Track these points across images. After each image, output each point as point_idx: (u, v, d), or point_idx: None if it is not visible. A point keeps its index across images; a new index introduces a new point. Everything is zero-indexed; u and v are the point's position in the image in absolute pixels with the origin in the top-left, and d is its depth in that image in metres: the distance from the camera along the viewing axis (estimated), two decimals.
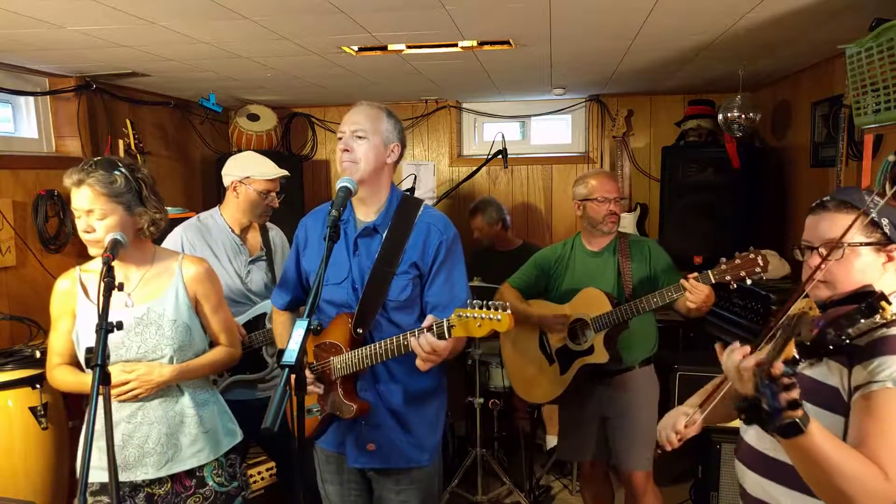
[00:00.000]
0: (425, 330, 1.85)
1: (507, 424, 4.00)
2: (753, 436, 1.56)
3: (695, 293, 2.40)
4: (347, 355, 2.02)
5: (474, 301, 1.82)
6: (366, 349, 1.99)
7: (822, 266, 1.44)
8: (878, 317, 1.27)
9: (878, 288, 1.39)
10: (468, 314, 1.80)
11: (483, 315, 1.79)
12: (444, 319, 1.83)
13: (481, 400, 3.65)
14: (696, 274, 2.43)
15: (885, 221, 1.44)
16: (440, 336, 1.83)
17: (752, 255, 2.31)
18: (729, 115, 3.78)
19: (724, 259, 2.38)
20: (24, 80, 3.35)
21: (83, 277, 2.02)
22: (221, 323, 2.16)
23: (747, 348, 1.31)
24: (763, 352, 1.26)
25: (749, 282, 2.34)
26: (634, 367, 2.83)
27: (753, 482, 1.54)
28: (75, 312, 2.01)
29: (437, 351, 1.85)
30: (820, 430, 1.23)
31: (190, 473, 2.05)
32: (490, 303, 1.81)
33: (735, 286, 2.38)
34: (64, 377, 2.05)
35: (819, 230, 1.48)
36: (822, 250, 1.44)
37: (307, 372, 2.06)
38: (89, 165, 1.92)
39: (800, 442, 1.21)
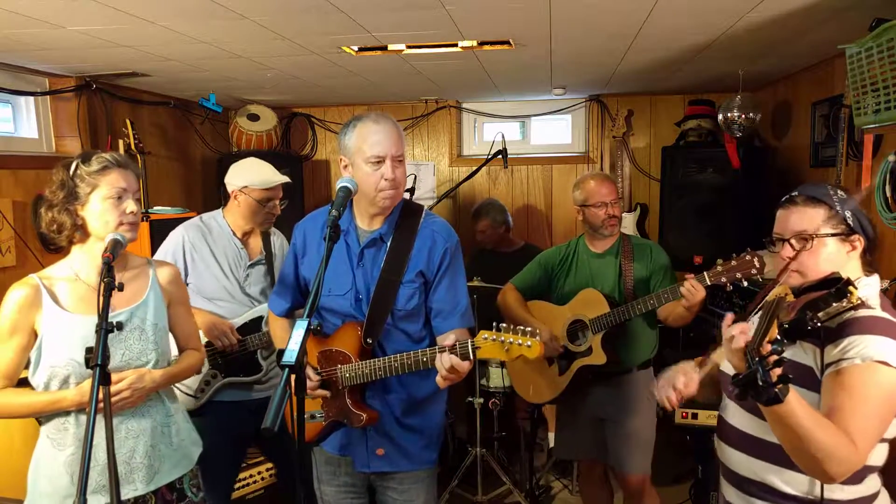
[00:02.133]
0: (448, 349, 1.83)
1: (507, 424, 4.00)
2: (737, 418, 1.67)
3: (690, 296, 2.42)
4: (358, 365, 2.01)
5: (501, 324, 1.80)
6: (380, 361, 1.98)
7: (796, 257, 1.58)
8: (845, 301, 1.39)
9: (843, 274, 1.51)
10: (496, 337, 1.78)
11: (512, 340, 1.77)
12: (468, 341, 1.81)
13: (481, 400, 3.65)
14: (692, 276, 2.45)
15: (848, 214, 1.58)
16: (464, 357, 1.81)
17: (748, 257, 2.34)
18: (729, 115, 3.78)
19: (720, 260, 2.40)
20: (24, 80, 3.35)
21: (47, 285, 1.86)
22: (192, 326, 2.14)
23: (746, 325, 1.43)
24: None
25: (745, 283, 2.35)
26: (633, 370, 2.82)
27: (738, 460, 1.65)
28: (35, 327, 1.84)
29: (460, 371, 1.83)
30: (797, 400, 1.34)
31: (171, 487, 2.00)
32: (520, 328, 1.78)
33: (731, 287, 2.41)
34: (13, 399, 1.83)
35: (789, 223, 1.61)
36: (794, 242, 1.58)
37: (314, 376, 2.06)
38: (114, 153, 1.91)
39: (779, 410, 1.33)
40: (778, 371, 1.28)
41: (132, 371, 1.88)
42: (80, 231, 1.88)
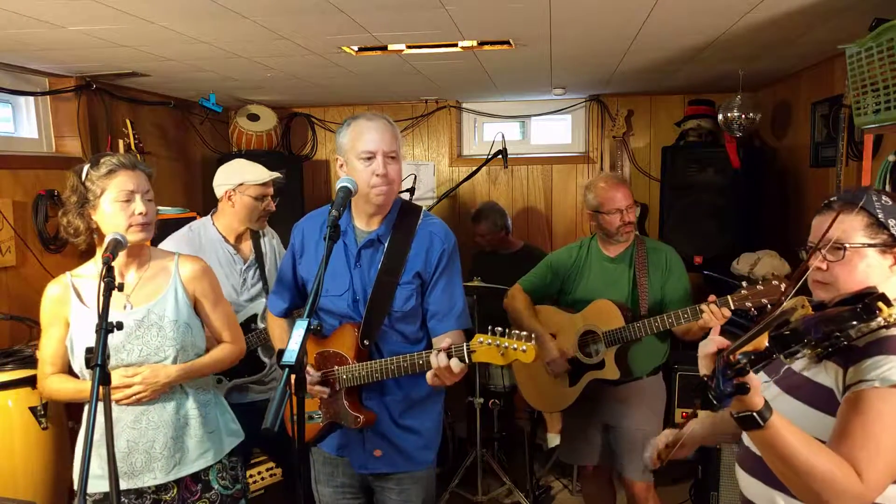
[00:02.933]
0: (444, 352, 1.83)
1: (507, 424, 4.00)
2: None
3: (712, 321, 2.35)
4: (355, 367, 2.01)
5: (496, 328, 1.80)
6: (376, 364, 1.97)
7: (822, 265, 1.42)
8: (881, 318, 1.23)
9: (883, 290, 1.34)
10: (492, 341, 1.78)
11: (507, 344, 1.77)
12: (464, 345, 1.82)
13: (481, 400, 3.65)
14: (714, 298, 2.39)
15: (892, 222, 1.40)
16: (459, 360, 1.81)
17: (774, 282, 2.28)
18: (729, 115, 3.78)
19: (745, 284, 2.34)
20: (24, 80, 3.35)
21: (75, 283, 1.99)
22: (222, 319, 2.15)
23: (724, 341, 1.30)
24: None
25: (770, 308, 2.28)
26: (641, 377, 2.78)
27: (754, 488, 1.52)
28: (68, 319, 1.97)
29: (455, 373, 1.83)
30: (784, 425, 1.23)
31: (195, 477, 2.04)
32: (514, 332, 1.78)
33: (755, 313, 2.32)
34: (60, 385, 2.00)
35: (823, 231, 1.43)
36: (823, 251, 1.41)
37: (314, 372, 2.06)
38: (123, 156, 1.98)
39: (762, 436, 1.22)
40: (739, 380, 1.17)
41: (147, 367, 1.94)
42: (97, 234, 1.95)
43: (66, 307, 1.97)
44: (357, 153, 1.94)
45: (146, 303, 1.99)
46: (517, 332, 1.78)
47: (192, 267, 2.09)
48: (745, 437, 1.56)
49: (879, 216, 1.41)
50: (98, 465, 1.89)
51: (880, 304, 1.22)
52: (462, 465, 3.70)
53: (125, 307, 1.97)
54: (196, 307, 2.08)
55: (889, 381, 1.26)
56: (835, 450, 1.26)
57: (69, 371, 2.01)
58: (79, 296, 1.97)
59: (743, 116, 3.75)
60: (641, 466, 2.76)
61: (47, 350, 2.00)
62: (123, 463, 1.93)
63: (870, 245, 1.40)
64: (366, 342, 2.01)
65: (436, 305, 2.04)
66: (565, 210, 4.95)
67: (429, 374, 1.88)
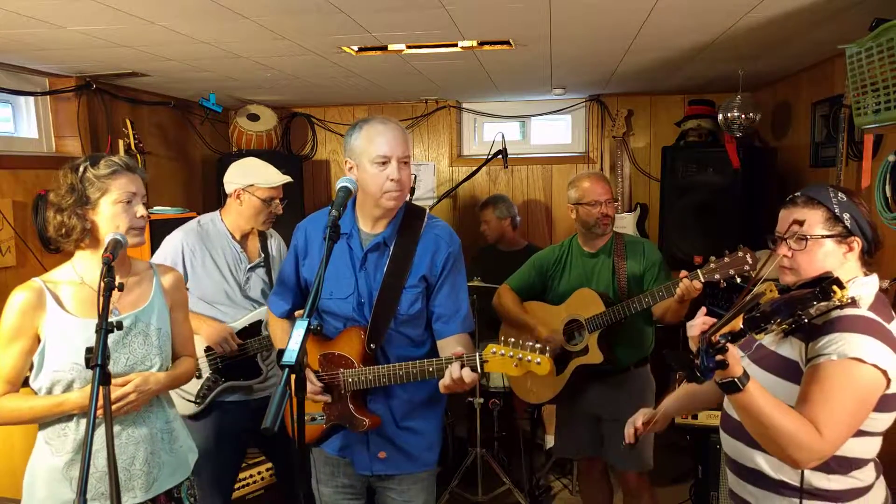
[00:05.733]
0: (454, 361, 1.83)
1: (507, 424, 4.01)
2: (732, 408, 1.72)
3: (687, 293, 2.43)
4: (362, 371, 2.00)
5: (510, 339, 1.81)
6: (384, 369, 1.97)
7: (788, 254, 1.64)
8: (835, 299, 1.43)
9: (838, 275, 1.53)
10: (505, 352, 1.78)
11: (521, 355, 1.77)
12: (476, 354, 1.82)
13: (481, 400, 3.65)
14: (685, 272, 2.45)
15: (846, 216, 1.61)
16: (472, 370, 1.82)
17: (740, 254, 2.35)
18: (729, 115, 3.78)
19: (713, 258, 2.41)
20: (24, 80, 3.35)
21: (51, 288, 1.83)
22: (189, 332, 2.13)
23: (709, 320, 1.53)
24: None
25: (739, 280, 2.36)
26: (629, 368, 2.82)
27: (735, 448, 1.72)
28: (38, 331, 1.81)
29: (467, 382, 1.83)
30: (758, 390, 1.44)
31: (169, 495, 1.98)
32: (528, 343, 1.79)
33: (725, 284, 2.41)
34: (16, 404, 1.80)
35: (788, 223, 1.65)
36: (790, 241, 1.63)
37: (317, 381, 2.05)
38: (121, 157, 1.91)
39: (740, 398, 1.44)
40: (719, 358, 1.36)
41: (137, 374, 1.87)
42: (89, 235, 1.86)
43: (40, 316, 1.81)
44: (371, 157, 1.93)
45: (133, 309, 1.92)
46: (531, 343, 1.79)
47: (171, 276, 2.06)
48: (727, 405, 1.78)
49: (836, 211, 1.61)
50: (92, 484, 1.81)
51: (835, 287, 1.42)
52: (462, 465, 3.70)
53: (112, 313, 1.85)
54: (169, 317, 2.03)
55: (843, 354, 1.47)
56: (799, 412, 1.47)
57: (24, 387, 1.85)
58: (58, 302, 1.82)
59: (743, 116, 3.75)
60: (632, 458, 2.79)
61: (6, 364, 1.80)
62: (102, 483, 1.83)
63: (827, 236, 1.61)
64: (372, 346, 2.00)
65: (441, 308, 2.05)
66: (565, 210, 4.87)
67: (441, 383, 1.88)
